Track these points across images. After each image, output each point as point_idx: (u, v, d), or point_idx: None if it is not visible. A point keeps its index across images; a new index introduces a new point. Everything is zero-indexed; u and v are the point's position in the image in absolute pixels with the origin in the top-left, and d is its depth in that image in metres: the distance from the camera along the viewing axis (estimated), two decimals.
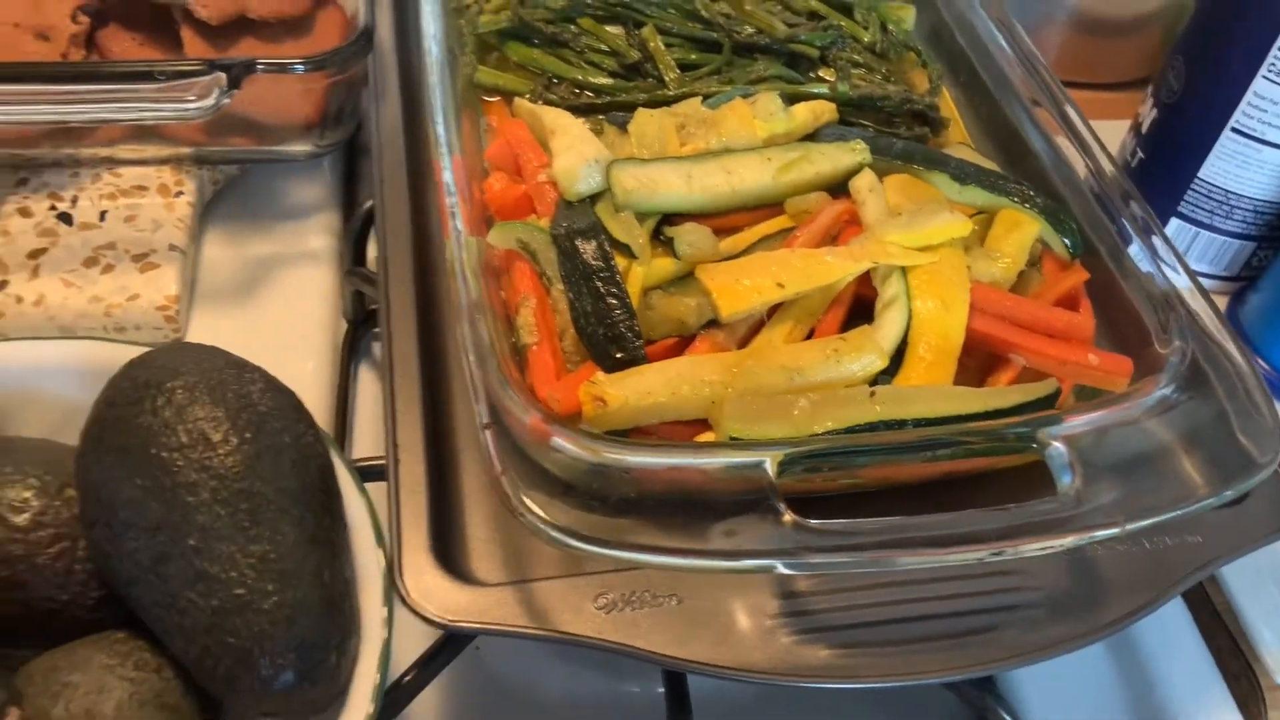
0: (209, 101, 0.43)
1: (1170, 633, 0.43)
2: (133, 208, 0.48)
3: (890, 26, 0.56)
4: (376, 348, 0.50)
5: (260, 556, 0.29)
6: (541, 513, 0.30)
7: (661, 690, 0.39)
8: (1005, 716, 0.35)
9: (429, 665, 0.35)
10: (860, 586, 0.34)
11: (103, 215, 0.48)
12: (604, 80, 0.51)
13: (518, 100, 0.49)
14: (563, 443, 0.32)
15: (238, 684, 0.29)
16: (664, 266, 0.39)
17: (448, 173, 0.39)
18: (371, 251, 0.49)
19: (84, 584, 0.32)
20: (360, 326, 0.49)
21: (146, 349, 0.35)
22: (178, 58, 0.47)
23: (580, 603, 0.33)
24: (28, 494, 0.32)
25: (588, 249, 0.38)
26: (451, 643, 0.35)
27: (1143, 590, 0.34)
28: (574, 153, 0.41)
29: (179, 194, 0.49)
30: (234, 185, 0.53)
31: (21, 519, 0.32)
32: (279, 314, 0.49)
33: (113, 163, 0.50)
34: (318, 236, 0.53)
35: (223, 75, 0.43)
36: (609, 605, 0.33)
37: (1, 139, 0.47)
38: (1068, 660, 0.38)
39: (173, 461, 0.29)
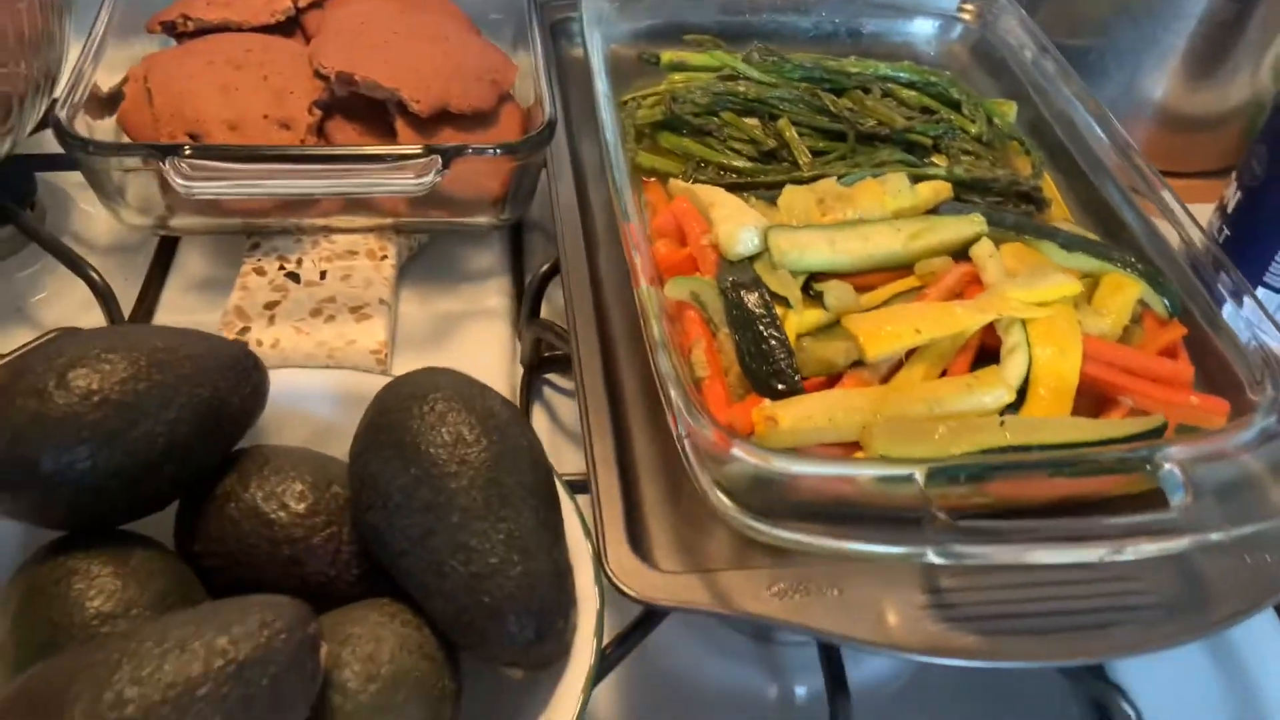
0: (428, 179, 0.51)
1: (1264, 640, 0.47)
2: (347, 269, 0.57)
3: (995, 120, 0.63)
4: (547, 390, 0.57)
5: (508, 534, 0.36)
6: (731, 503, 0.36)
7: (803, 690, 0.45)
8: (1124, 703, 0.40)
9: (625, 641, 0.41)
10: (997, 585, 0.39)
11: (323, 274, 0.57)
12: (744, 164, 0.59)
13: (673, 180, 0.57)
14: (741, 453, 0.39)
15: (488, 637, 0.35)
16: (813, 316, 0.46)
17: (636, 234, 0.47)
18: (545, 308, 0.58)
19: (347, 563, 0.39)
20: (534, 371, 0.57)
21: (385, 377, 0.43)
22: (396, 144, 0.55)
23: (756, 590, 0.39)
24: (302, 488, 0.40)
25: (751, 299, 0.45)
26: (646, 620, 0.41)
27: (1244, 597, 0.39)
28: (735, 221, 0.48)
29: (384, 257, 0.58)
30: (424, 252, 0.62)
31: (300, 508, 0.39)
32: (465, 360, 0.56)
33: (329, 231, 0.59)
34: (494, 296, 0.61)
35: (438, 158, 0.52)
36: (781, 593, 0.39)
37: (241, 210, 0.57)
38: (1173, 662, 0.43)
39: (438, 456, 0.37)
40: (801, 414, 0.41)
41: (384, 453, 0.37)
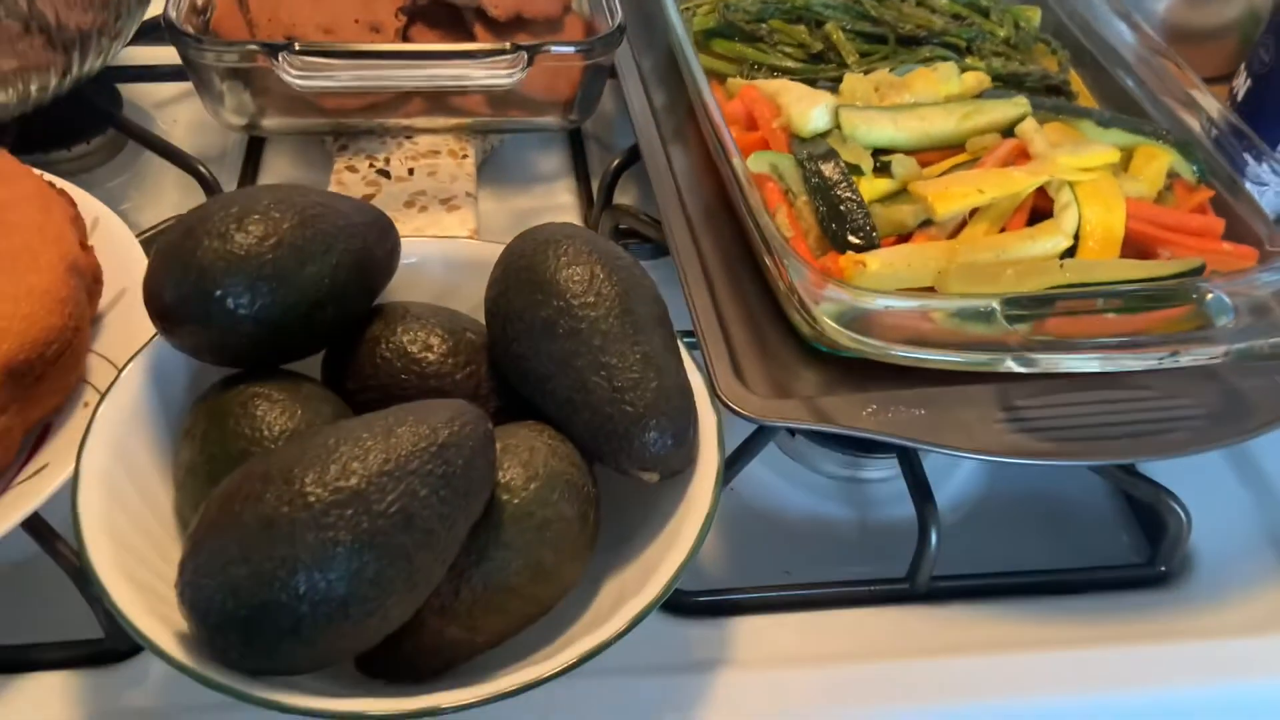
0: (515, 74, 0.55)
1: None
2: (432, 166, 0.61)
3: (1020, 24, 0.68)
4: None
5: (643, 355, 0.40)
6: (842, 327, 0.41)
7: (883, 520, 0.50)
8: (1174, 504, 0.45)
9: (735, 461, 0.46)
10: (1064, 403, 0.44)
11: (410, 171, 0.61)
12: (794, 65, 0.64)
13: (731, 79, 0.62)
14: (837, 290, 0.44)
15: (630, 444, 0.40)
16: (882, 184, 0.51)
17: (716, 112, 0.51)
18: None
19: (486, 397, 0.44)
20: None
21: (492, 244, 0.48)
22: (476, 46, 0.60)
23: (853, 410, 0.44)
24: (442, 333, 0.44)
25: (827, 167, 0.50)
26: (757, 437, 0.46)
27: (1275, 409, 0.45)
28: (807, 101, 0.53)
29: (464, 156, 0.62)
30: (496, 155, 0.66)
31: (443, 348, 0.44)
32: None
33: (412, 131, 0.63)
34: (563, 194, 0.65)
35: (524, 54, 0.56)
36: (875, 413, 0.44)
37: (331, 110, 0.61)
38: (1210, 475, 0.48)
39: (576, 289, 0.41)
40: (884, 260, 0.46)
41: (525, 290, 0.42)
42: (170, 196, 0.63)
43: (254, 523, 0.32)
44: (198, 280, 0.39)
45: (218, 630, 0.33)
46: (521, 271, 0.42)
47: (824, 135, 0.53)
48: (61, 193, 0.46)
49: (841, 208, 0.49)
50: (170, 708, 0.40)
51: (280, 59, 0.53)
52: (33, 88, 0.55)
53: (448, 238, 0.49)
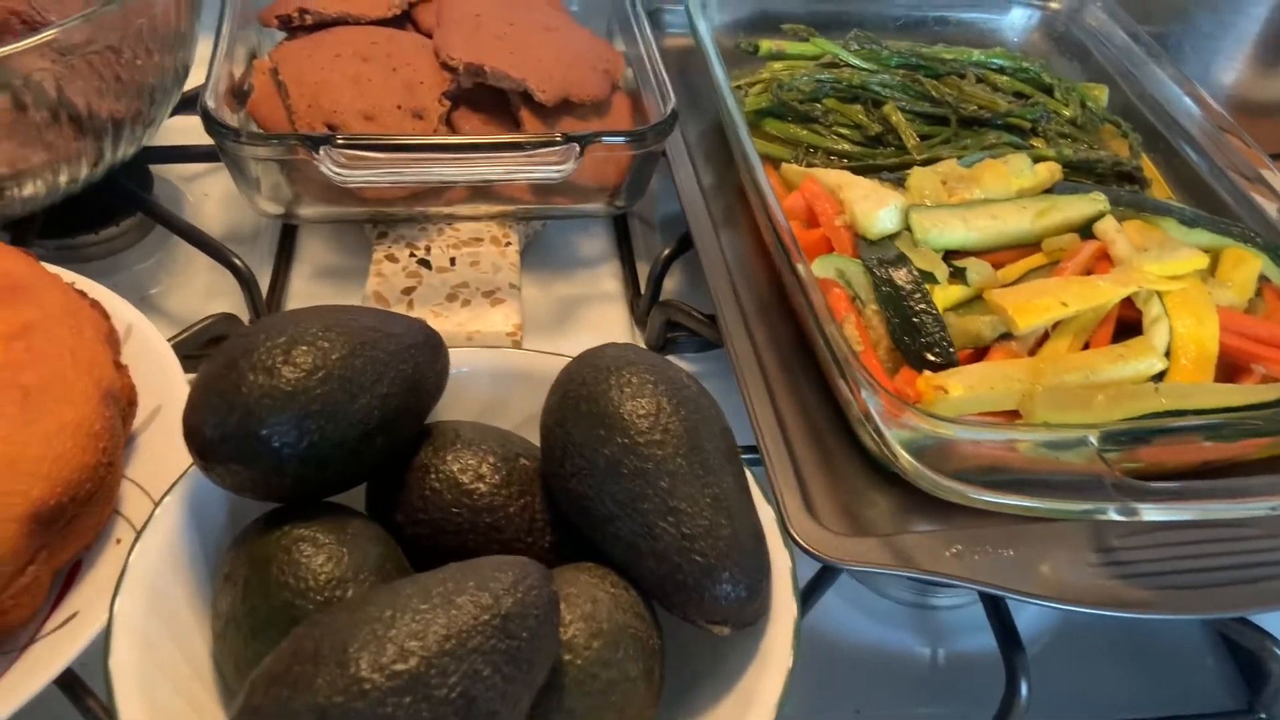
0: (569, 166, 0.53)
1: None
2: (474, 255, 0.59)
3: (1088, 103, 0.65)
4: None
5: (714, 498, 0.38)
6: (923, 465, 0.38)
7: (957, 651, 0.47)
8: (1277, 649, 0.42)
9: (805, 600, 0.43)
10: (1160, 544, 0.41)
11: (452, 260, 0.58)
12: (851, 148, 0.61)
13: (785, 165, 0.59)
14: (915, 420, 0.41)
15: (700, 595, 0.37)
16: (955, 291, 0.48)
17: (779, 212, 0.49)
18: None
19: (541, 530, 0.41)
20: (661, 352, 0.58)
21: (543, 354, 0.45)
22: (521, 134, 0.57)
23: (935, 551, 0.41)
24: (494, 460, 0.41)
25: (899, 275, 0.47)
26: (827, 572, 0.44)
27: None
28: (873, 200, 0.50)
29: (508, 244, 0.60)
30: (537, 240, 0.64)
31: (495, 479, 0.41)
32: (591, 341, 0.58)
33: (453, 219, 0.60)
34: (608, 281, 0.63)
35: (576, 145, 0.53)
36: (958, 554, 0.41)
37: (372, 199, 0.58)
38: None
39: (641, 425, 0.38)
40: (967, 385, 0.43)
41: (586, 423, 0.39)
42: (202, 279, 0.61)
43: (305, 713, 0.30)
44: (242, 419, 0.36)
45: None
46: (582, 402, 0.40)
47: (892, 237, 0.50)
48: (94, 304, 0.44)
49: (915, 320, 0.46)
50: None
51: (321, 152, 0.51)
52: (62, 179, 0.53)
53: (496, 349, 0.47)
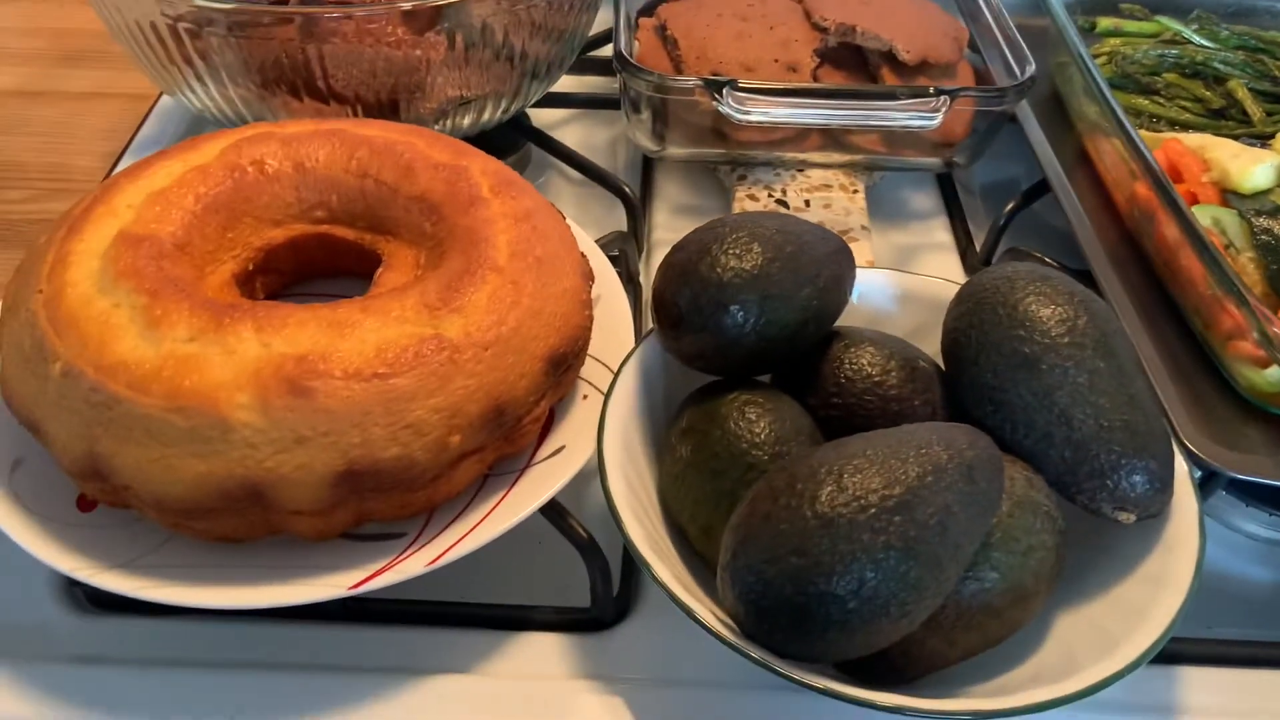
0: (939, 117, 0.58)
1: None
2: (826, 199, 0.64)
3: None
4: None
5: (1129, 396, 0.42)
6: None
7: None
8: None
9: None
10: None
11: (807, 203, 0.64)
12: (1194, 119, 0.64)
13: (1142, 131, 0.62)
14: None
15: (1118, 482, 0.41)
16: None
17: (1153, 161, 0.52)
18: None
19: None
20: None
21: (929, 277, 0.50)
22: (895, 86, 0.62)
23: None
24: (898, 360, 0.46)
25: (1276, 225, 0.50)
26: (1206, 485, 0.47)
27: None
28: (1247, 158, 0.53)
29: (855, 191, 0.65)
30: (871, 193, 0.69)
31: (901, 374, 0.46)
32: None
33: (805, 165, 0.66)
34: (940, 233, 0.67)
35: (946, 98, 0.58)
36: None
37: (736, 142, 0.65)
38: None
39: (1058, 328, 0.42)
40: None
41: (1002, 325, 0.43)
42: (570, 211, 0.69)
43: (813, 519, 0.35)
44: (716, 293, 0.43)
45: (767, 614, 0.36)
46: (999, 306, 0.44)
47: (1264, 194, 0.53)
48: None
49: None
50: (647, 680, 0.44)
51: (725, 93, 0.57)
52: (491, 111, 0.62)
53: (885, 269, 0.52)
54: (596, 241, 0.57)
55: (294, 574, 0.39)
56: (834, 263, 0.46)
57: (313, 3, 0.53)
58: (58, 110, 0.74)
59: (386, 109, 0.57)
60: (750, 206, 0.64)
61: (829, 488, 0.36)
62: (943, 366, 0.47)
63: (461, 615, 0.45)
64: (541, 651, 0.44)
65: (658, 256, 0.64)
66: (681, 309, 0.44)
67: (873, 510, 0.35)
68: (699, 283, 0.44)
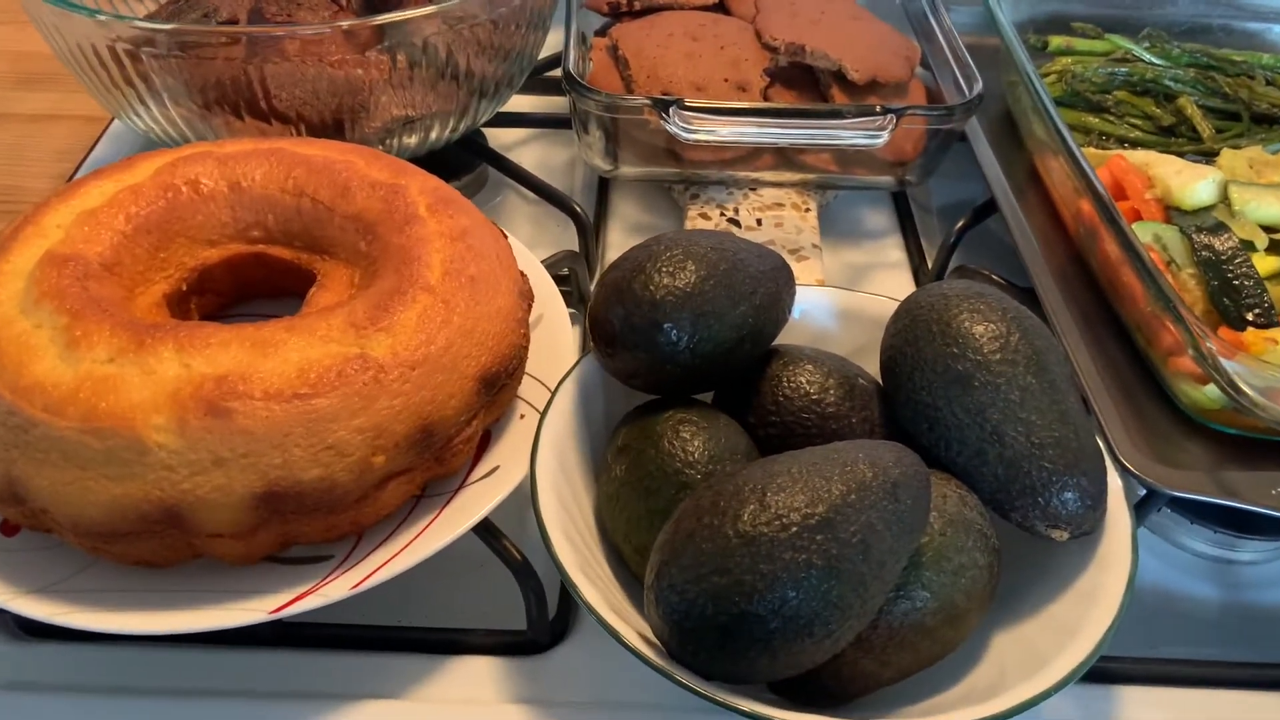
0: (885, 135, 0.58)
1: None
2: (778, 217, 0.64)
3: None
4: None
5: (1061, 413, 0.41)
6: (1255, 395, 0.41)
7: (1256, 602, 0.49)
8: None
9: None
10: None
11: (759, 221, 0.64)
12: (1144, 136, 0.64)
13: (1085, 149, 0.62)
14: (1246, 363, 0.43)
15: (1048, 499, 0.40)
16: (1272, 262, 0.51)
17: (1095, 178, 0.52)
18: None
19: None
20: None
21: (870, 295, 0.50)
22: (841, 104, 0.62)
23: (1260, 488, 0.43)
24: (836, 378, 0.46)
25: (1218, 241, 0.50)
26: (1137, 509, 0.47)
27: None
28: (1189, 174, 0.53)
29: (807, 209, 0.65)
30: (824, 211, 0.69)
31: (839, 392, 0.46)
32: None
33: (757, 184, 0.66)
34: (894, 250, 0.67)
35: (893, 116, 0.58)
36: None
37: (690, 161, 0.65)
38: None
39: (991, 345, 0.42)
40: None
41: (935, 341, 0.43)
42: (524, 230, 0.69)
43: (735, 538, 0.35)
44: (650, 312, 0.43)
45: (691, 635, 0.35)
46: (933, 324, 0.44)
47: (1207, 209, 0.53)
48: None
49: (1236, 283, 0.49)
50: (584, 703, 0.43)
51: (671, 113, 0.57)
52: (438, 131, 0.62)
53: (826, 288, 0.52)
54: (544, 261, 0.57)
55: (216, 598, 0.39)
56: (771, 280, 0.46)
57: (253, 23, 0.53)
58: (10, 133, 0.74)
59: (331, 129, 0.57)
60: (702, 225, 0.64)
61: (752, 506, 0.36)
62: (881, 384, 0.47)
63: (394, 639, 0.45)
64: (476, 675, 0.44)
65: None
66: (616, 327, 0.44)
67: (794, 529, 0.35)
68: (633, 301, 0.43)
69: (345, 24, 0.52)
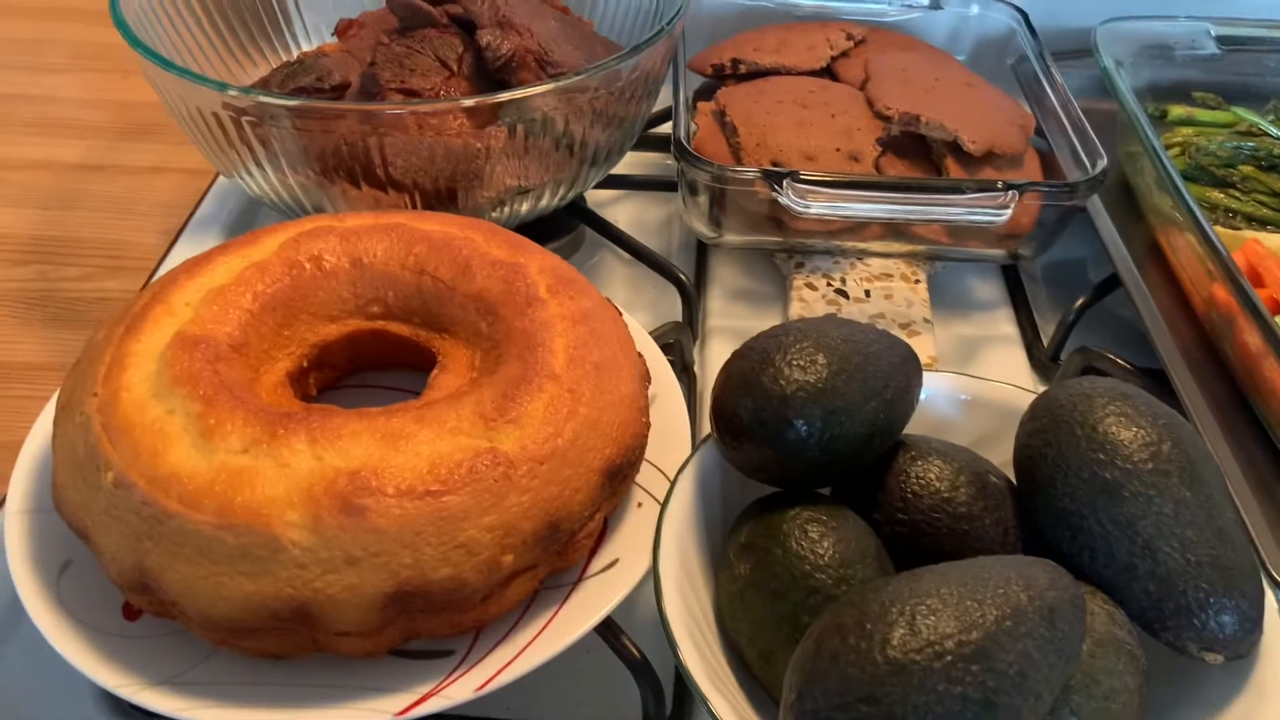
0: (1007, 212, 0.56)
1: None
2: (887, 289, 0.63)
3: None
4: None
5: (1218, 530, 0.39)
6: None
7: None
8: None
9: None
10: None
11: (867, 293, 0.63)
12: (1271, 214, 0.61)
13: (1216, 227, 0.60)
14: None
15: (1205, 621, 0.38)
16: None
17: (1233, 265, 0.50)
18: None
19: (1013, 546, 0.43)
20: None
21: (997, 383, 0.48)
22: (962, 179, 0.61)
23: None
24: (967, 474, 0.44)
25: None
26: None
27: None
28: None
29: (917, 281, 0.64)
30: (933, 281, 0.67)
31: (970, 491, 0.44)
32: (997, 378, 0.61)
33: (864, 254, 0.65)
34: (1005, 325, 0.65)
35: (1015, 193, 0.57)
36: None
37: (794, 230, 0.64)
38: None
39: (1141, 452, 0.40)
40: None
41: (1079, 446, 0.41)
42: (620, 294, 0.68)
43: (884, 665, 0.33)
44: (779, 407, 0.42)
45: None
46: (1076, 427, 0.42)
47: None
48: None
49: None
50: None
51: (785, 184, 0.56)
52: (548, 198, 0.61)
53: (950, 373, 0.50)
54: (651, 333, 0.56)
55: (339, 694, 0.38)
56: (901, 373, 0.44)
57: (375, 98, 0.53)
58: (117, 185, 0.75)
59: (445, 197, 0.56)
60: (808, 295, 0.63)
61: (901, 630, 0.34)
62: (1013, 481, 0.45)
63: None
64: None
65: (713, 344, 0.63)
66: (743, 420, 0.42)
67: (948, 657, 0.33)
68: (761, 395, 0.42)
69: (469, 101, 0.52)
